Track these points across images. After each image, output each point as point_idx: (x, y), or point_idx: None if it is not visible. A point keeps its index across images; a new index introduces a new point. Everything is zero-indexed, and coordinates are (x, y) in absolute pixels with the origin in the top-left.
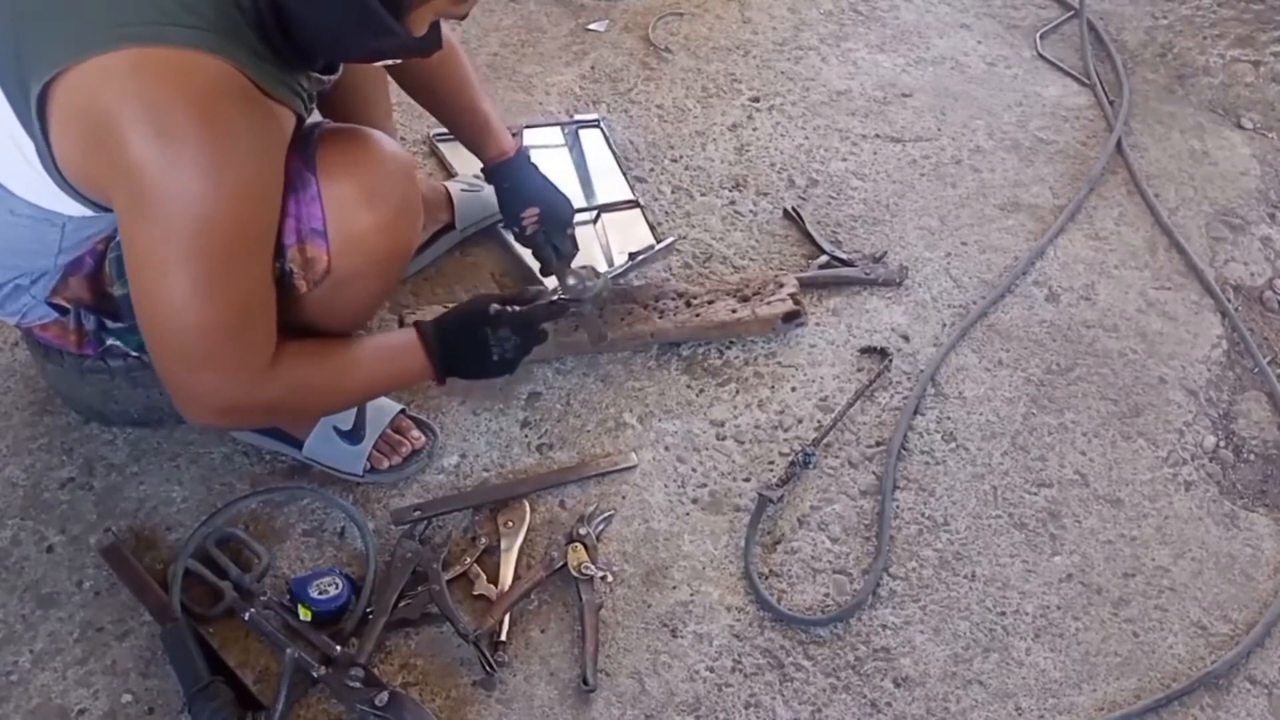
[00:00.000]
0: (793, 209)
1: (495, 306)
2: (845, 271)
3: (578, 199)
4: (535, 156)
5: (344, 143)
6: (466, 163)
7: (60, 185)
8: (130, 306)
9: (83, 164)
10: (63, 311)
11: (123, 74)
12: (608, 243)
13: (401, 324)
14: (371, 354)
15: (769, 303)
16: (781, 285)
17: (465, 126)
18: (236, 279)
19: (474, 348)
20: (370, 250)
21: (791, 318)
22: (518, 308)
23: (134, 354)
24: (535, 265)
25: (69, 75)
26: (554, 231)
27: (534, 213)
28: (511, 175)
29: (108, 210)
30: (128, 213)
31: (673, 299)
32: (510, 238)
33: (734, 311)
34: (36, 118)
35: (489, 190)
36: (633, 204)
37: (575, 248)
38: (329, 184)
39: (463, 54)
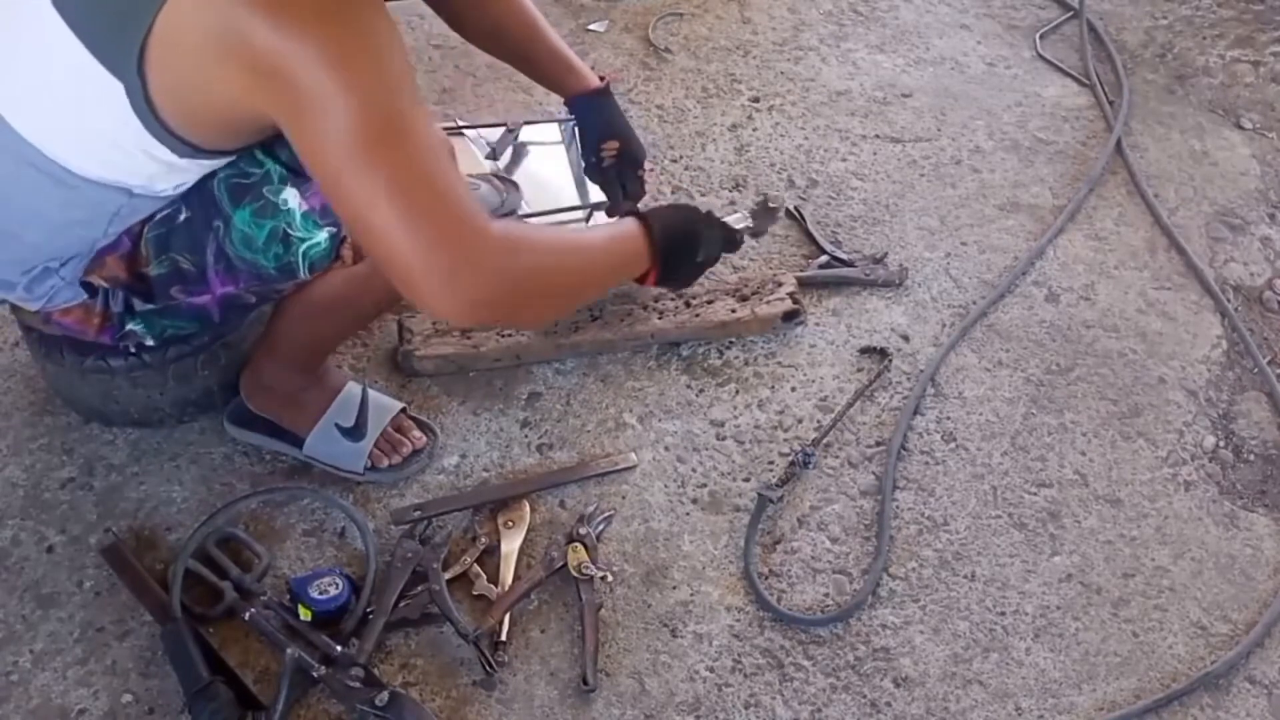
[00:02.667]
0: (794, 209)
1: (705, 208)
2: (845, 271)
3: (572, 197)
4: (531, 152)
5: None
6: (465, 160)
7: (157, 132)
8: (163, 285)
9: (210, 99)
10: (92, 293)
11: None
12: None
13: (402, 325)
14: (594, 234)
15: (768, 302)
16: (781, 284)
17: (546, 64)
18: (415, 148)
19: (689, 241)
20: None
21: (791, 317)
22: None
23: (149, 343)
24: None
25: (165, 14)
26: (627, 170)
27: (615, 146)
28: (598, 107)
29: (205, 154)
30: (295, 132)
31: (672, 299)
32: (580, 170)
33: (733, 311)
34: (137, 68)
35: (486, 189)
36: None
37: (643, 190)
38: None
39: None
